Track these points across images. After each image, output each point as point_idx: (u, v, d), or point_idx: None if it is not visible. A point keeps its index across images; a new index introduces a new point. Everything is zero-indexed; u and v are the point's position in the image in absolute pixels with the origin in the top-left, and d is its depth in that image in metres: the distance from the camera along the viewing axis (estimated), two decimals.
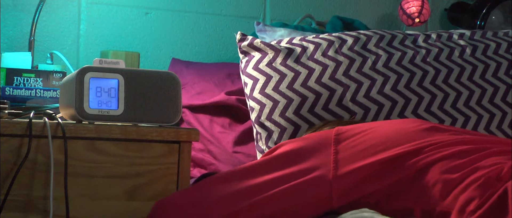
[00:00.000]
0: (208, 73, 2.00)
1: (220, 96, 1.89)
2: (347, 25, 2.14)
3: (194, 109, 1.89)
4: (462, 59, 1.73)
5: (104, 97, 1.39)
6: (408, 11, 2.15)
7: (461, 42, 1.79)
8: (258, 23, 1.96)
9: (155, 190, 1.41)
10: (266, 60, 1.72)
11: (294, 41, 1.76)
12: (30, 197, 1.34)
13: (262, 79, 1.70)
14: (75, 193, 1.35)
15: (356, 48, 1.70)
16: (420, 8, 2.14)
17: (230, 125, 1.86)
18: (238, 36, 1.78)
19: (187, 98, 1.86)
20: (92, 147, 1.38)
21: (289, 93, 1.67)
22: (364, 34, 1.75)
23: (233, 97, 1.88)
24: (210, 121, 1.87)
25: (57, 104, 1.52)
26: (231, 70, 2.00)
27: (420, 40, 1.77)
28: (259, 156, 1.68)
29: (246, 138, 1.81)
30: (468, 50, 1.75)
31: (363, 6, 2.34)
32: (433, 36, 1.79)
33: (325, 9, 2.28)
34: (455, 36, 1.81)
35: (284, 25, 2.06)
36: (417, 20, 2.14)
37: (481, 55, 1.75)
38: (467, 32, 1.82)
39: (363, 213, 1.19)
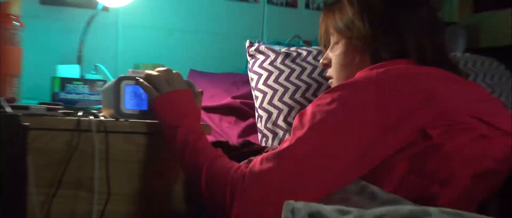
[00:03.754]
0: (218, 81, 2.04)
1: (227, 100, 1.93)
2: None
3: (207, 110, 1.94)
4: None
5: (136, 100, 1.46)
6: None
7: None
8: (258, 42, 2.00)
9: (175, 171, 1.47)
10: (268, 60, 1.82)
11: (291, 48, 1.87)
12: (80, 178, 1.41)
13: (265, 74, 1.79)
14: (115, 174, 1.42)
15: None
16: None
17: (235, 122, 1.89)
18: (247, 44, 1.88)
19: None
20: (127, 139, 1.44)
21: (286, 84, 1.76)
22: None
23: (238, 100, 1.93)
24: (220, 119, 1.91)
25: (100, 106, 1.59)
26: (236, 79, 2.05)
27: None
28: (260, 135, 1.73)
29: (248, 131, 1.85)
30: None
31: None
32: None
33: (310, 30, 2.23)
34: None
35: (278, 43, 2.10)
36: None
37: None
38: None
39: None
